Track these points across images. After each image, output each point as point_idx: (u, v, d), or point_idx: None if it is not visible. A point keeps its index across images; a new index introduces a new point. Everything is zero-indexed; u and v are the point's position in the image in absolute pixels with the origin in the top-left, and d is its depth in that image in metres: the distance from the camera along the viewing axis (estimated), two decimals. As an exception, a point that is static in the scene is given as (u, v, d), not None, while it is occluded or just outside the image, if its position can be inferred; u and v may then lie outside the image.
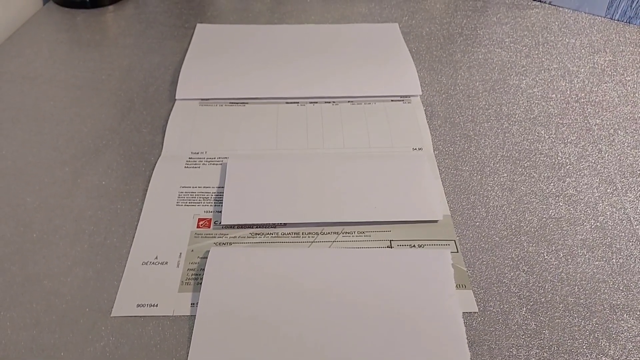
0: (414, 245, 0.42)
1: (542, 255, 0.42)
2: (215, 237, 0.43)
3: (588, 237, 0.43)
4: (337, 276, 0.39)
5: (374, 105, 0.55)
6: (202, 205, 0.45)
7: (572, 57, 0.64)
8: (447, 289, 0.38)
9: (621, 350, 0.36)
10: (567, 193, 0.47)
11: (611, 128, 0.54)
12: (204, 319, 0.36)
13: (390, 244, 0.42)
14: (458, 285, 0.39)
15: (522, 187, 0.47)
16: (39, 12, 0.72)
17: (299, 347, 0.35)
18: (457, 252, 0.42)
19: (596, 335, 0.36)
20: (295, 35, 0.66)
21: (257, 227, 0.43)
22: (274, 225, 0.43)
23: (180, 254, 0.41)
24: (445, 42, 0.67)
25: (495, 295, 0.39)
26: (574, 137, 0.52)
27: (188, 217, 0.44)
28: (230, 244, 0.42)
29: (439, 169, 0.49)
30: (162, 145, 0.51)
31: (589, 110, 0.56)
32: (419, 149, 0.51)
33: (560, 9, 0.74)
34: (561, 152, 0.51)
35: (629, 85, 0.59)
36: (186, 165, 0.48)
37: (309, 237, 0.43)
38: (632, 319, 0.37)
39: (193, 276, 0.40)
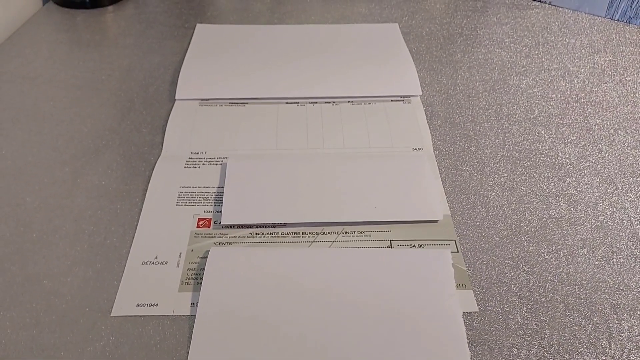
0: (414, 245, 0.42)
1: (542, 255, 0.42)
2: (215, 237, 0.42)
3: (588, 236, 0.43)
4: (337, 276, 0.39)
5: (374, 105, 0.55)
6: (202, 205, 0.45)
7: (572, 57, 0.64)
8: (448, 289, 0.38)
9: (621, 350, 0.36)
10: (568, 193, 0.47)
11: (611, 128, 0.54)
12: (204, 318, 0.36)
13: (391, 244, 0.42)
14: (458, 285, 0.39)
15: (522, 187, 0.47)
16: (38, 12, 0.72)
17: (299, 347, 0.35)
18: (458, 251, 0.42)
19: (596, 334, 0.36)
20: (295, 35, 0.66)
21: (257, 227, 0.43)
22: (274, 225, 0.43)
23: (180, 253, 0.41)
24: (445, 42, 0.67)
25: (496, 295, 0.39)
26: (574, 137, 0.52)
27: (188, 217, 0.44)
28: (230, 243, 0.42)
29: (439, 169, 0.49)
30: (162, 145, 0.51)
31: (589, 110, 0.56)
32: (419, 149, 0.51)
33: (560, 9, 0.74)
34: (561, 152, 0.51)
35: (629, 86, 0.59)
36: (186, 165, 0.48)
37: (309, 237, 0.42)
38: (633, 318, 0.37)
39: (193, 276, 0.40)
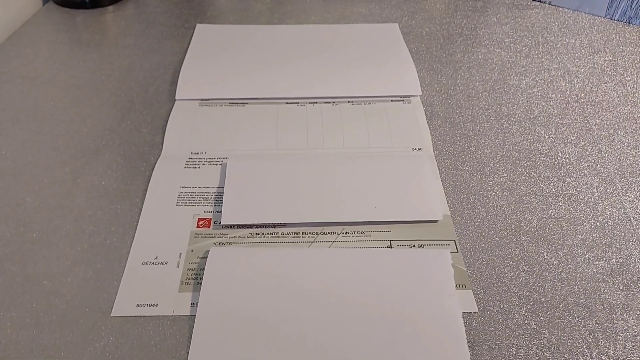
0: (414, 245, 0.42)
1: (542, 255, 0.42)
2: (215, 237, 0.43)
3: (588, 236, 0.43)
4: (337, 276, 0.39)
5: (374, 105, 0.55)
6: (202, 205, 0.45)
7: (572, 57, 0.64)
8: (447, 289, 0.38)
9: (621, 350, 0.36)
10: (567, 193, 0.47)
11: (611, 128, 0.54)
12: (204, 318, 0.36)
13: (390, 244, 0.42)
14: (458, 285, 0.39)
15: (522, 187, 0.47)
16: (38, 12, 0.72)
17: (299, 347, 0.35)
18: (457, 252, 0.42)
19: (596, 334, 0.36)
20: (295, 35, 0.66)
21: (257, 227, 0.43)
22: (274, 225, 0.43)
23: (180, 254, 0.41)
24: (445, 42, 0.67)
25: (495, 295, 0.39)
26: (574, 137, 0.52)
27: (188, 217, 0.44)
28: (230, 244, 0.42)
29: (439, 169, 0.49)
30: (162, 145, 0.51)
31: (589, 110, 0.56)
32: (419, 149, 0.51)
33: (560, 9, 0.74)
34: (561, 152, 0.51)
35: (628, 85, 0.59)
36: (186, 166, 0.48)
37: (309, 237, 0.43)
38: (632, 318, 0.37)
39: (193, 276, 0.40)
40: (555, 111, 0.56)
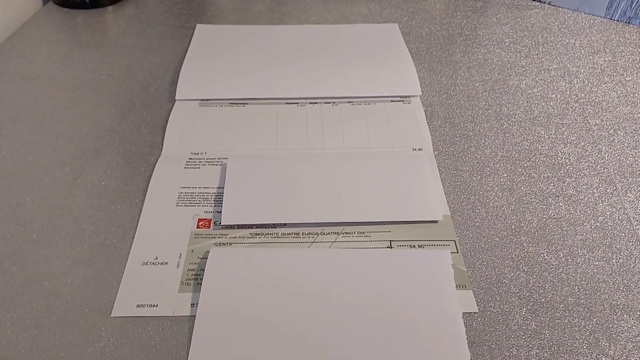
0: (414, 246, 0.42)
1: (542, 255, 0.42)
2: (215, 237, 0.43)
3: (588, 237, 0.43)
4: (337, 276, 0.39)
5: (374, 105, 0.55)
6: (202, 206, 0.45)
7: (572, 57, 0.64)
8: (447, 289, 0.38)
9: (621, 351, 0.36)
10: (567, 193, 0.47)
11: (611, 128, 0.54)
12: (204, 319, 0.36)
13: (390, 244, 0.42)
14: (458, 286, 0.39)
15: (522, 188, 0.47)
16: (38, 12, 0.72)
17: (299, 348, 0.35)
18: (457, 252, 0.42)
19: (596, 335, 0.37)
20: (295, 36, 0.66)
21: (257, 228, 0.43)
22: (274, 226, 0.43)
23: (180, 254, 0.41)
24: (445, 42, 0.67)
25: (495, 295, 0.39)
26: (574, 138, 0.53)
27: (188, 217, 0.44)
28: (230, 244, 0.42)
29: (439, 169, 0.49)
30: (162, 145, 0.51)
31: (589, 110, 0.56)
32: (419, 149, 0.51)
33: (560, 9, 0.74)
34: (561, 152, 0.51)
35: (628, 86, 0.59)
36: (186, 166, 0.48)
37: (309, 237, 0.43)
38: (632, 319, 0.37)
39: (193, 276, 0.40)
40: (555, 111, 0.56)
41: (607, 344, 0.36)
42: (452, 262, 0.40)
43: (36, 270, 0.40)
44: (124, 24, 0.70)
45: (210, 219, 0.44)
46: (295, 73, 0.59)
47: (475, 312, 0.38)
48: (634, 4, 0.69)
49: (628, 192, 0.47)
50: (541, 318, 0.37)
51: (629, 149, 0.51)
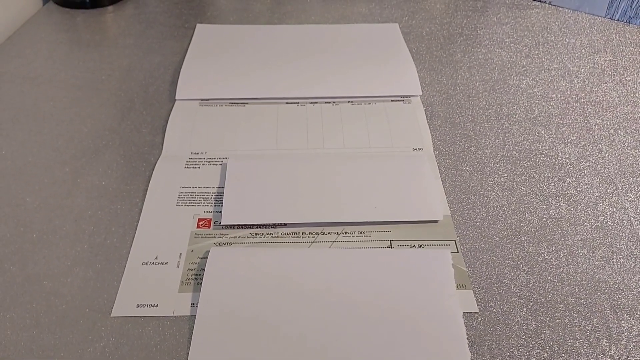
0: (414, 246, 0.42)
1: (542, 255, 0.42)
2: (215, 237, 0.42)
3: (588, 237, 0.43)
4: (337, 276, 0.39)
5: (374, 105, 0.55)
6: (202, 206, 0.45)
7: (572, 57, 0.64)
8: (448, 289, 0.38)
9: (622, 350, 0.36)
10: (568, 193, 0.47)
11: (611, 128, 0.54)
12: (204, 319, 0.36)
13: (391, 244, 0.42)
14: (458, 285, 0.39)
15: (522, 187, 0.47)
16: (38, 12, 0.72)
17: (299, 347, 0.35)
18: (458, 252, 0.42)
19: (597, 335, 0.36)
20: (295, 35, 0.66)
21: (257, 227, 0.43)
22: (274, 226, 0.43)
23: (180, 254, 0.41)
24: (445, 42, 0.67)
25: (496, 295, 0.39)
26: (574, 137, 0.52)
27: (188, 217, 0.44)
28: (230, 244, 0.42)
29: (439, 169, 0.49)
30: (162, 145, 0.51)
31: (589, 110, 0.56)
32: (419, 149, 0.51)
33: (560, 9, 0.74)
34: (561, 152, 0.51)
35: (629, 85, 0.59)
36: (186, 166, 0.48)
37: (309, 237, 0.42)
38: (633, 318, 0.37)
39: (193, 276, 0.40)
40: (556, 111, 0.56)
41: (608, 344, 0.36)
42: (452, 261, 0.40)
43: (36, 270, 0.40)
44: (124, 24, 0.70)
45: (211, 219, 0.44)
46: (295, 73, 0.59)
47: (476, 312, 0.38)
48: (634, 4, 0.69)
49: (628, 191, 0.47)
50: (541, 318, 0.37)
51: (629, 148, 0.51)
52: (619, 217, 0.45)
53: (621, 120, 0.55)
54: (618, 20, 0.71)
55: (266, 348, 0.35)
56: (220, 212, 0.44)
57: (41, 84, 0.58)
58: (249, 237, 0.43)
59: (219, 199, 0.45)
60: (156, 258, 0.41)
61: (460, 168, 0.49)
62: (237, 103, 0.56)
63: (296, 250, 0.41)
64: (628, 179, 0.48)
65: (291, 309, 0.37)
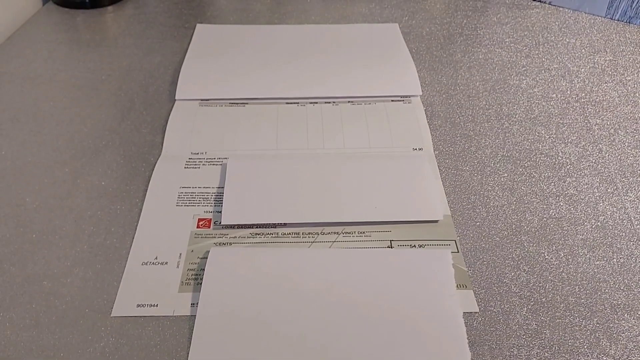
0: (415, 245, 0.42)
1: (542, 255, 0.42)
2: (215, 237, 0.42)
3: (589, 236, 0.43)
4: (337, 276, 0.38)
5: (374, 105, 0.55)
6: (202, 206, 0.45)
7: (573, 57, 0.64)
8: (448, 289, 0.38)
9: (622, 350, 0.36)
10: (568, 193, 0.47)
11: (612, 128, 0.54)
12: (204, 319, 0.36)
13: (391, 244, 0.42)
14: (459, 285, 0.39)
15: (522, 187, 0.47)
16: (38, 12, 0.72)
17: (299, 347, 0.35)
18: (458, 252, 0.42)
19: (597, 335, 0.36)
20: (295, 36, 0.66)
21: (257, 227, 0.43)
22: (274, 226, 0.43)
23: (180, 254, 0.41)
24: (445, 42, 0.67)
25: (496, 295, 0.39)
26: (575, 137, 0.52)
27: (188, 217, 0.44)
28: (231, 244, 0.42)
29: (440, 169, 0.49)
30: (162, 145, 0.51)
31: (590, 110, 0.56)
32: (420, 149, 0.51)
33: (561, 9, 0.74)
34: (562, 152, 0.51)
35: (629, 85, 0.59)
36: (186, 166, 0.48)
37: (309, 237, 0.42)
38: (633, 318, 0.37)
39: (193, 276, 0.40)
40: (556, 111, 0.56)
41: (608, 344, 0.36)
42: (452, 261, 0.40)
43: (36, 270, 0.40)
44: (124, 24, 0.70)
45: (211, 219, 0.44)
46: (295, 73, 0.59)
47: (476, 312, 0.38)
48: (634, 3, 0.69)
49: (629, 191, 0.47)
50: (542, 318, 0.37)
51: (629, 148, 0.51)
52: (619, 216, 0.45)
53: (621, 120, 0.55)
54: (618, 20, 0.71)
55: (266, 348, 0.35)
56: (220, 212, 0.44)
57: (41, 84, 0.58)
58: (249, 237, 0.42)
59: (219, 199, 0.45)
60: (156, 258, 0.41)
61: (460, 168, 0.49)
62: (237, 103, 0.56)
63: (296, 250, 0.41)
64: (628, 179, 0.48)
65: (291, 309, 0.37)
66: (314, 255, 0.40)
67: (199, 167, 0.48)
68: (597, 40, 0.67)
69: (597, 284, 0.40)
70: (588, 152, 0.51)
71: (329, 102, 0.56)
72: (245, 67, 0.60)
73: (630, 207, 0.45)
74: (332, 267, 0.39)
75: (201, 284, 0.39)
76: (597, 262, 0.41)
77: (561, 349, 0.36)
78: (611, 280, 0.40)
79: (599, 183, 0.48)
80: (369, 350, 0.34)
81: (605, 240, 0.43)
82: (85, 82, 0.59)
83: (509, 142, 0.52)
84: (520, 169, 0.49)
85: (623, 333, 0.37)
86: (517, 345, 0.36)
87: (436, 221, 0.44)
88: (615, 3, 0.70)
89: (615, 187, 0.47)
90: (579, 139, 0.52)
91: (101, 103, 0.56)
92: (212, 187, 0.46)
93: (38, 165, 0.49)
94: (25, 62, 0.62)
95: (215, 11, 0.73)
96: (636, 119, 0.55)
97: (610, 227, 0.44)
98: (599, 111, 0.56)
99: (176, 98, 0.56)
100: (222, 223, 0.43)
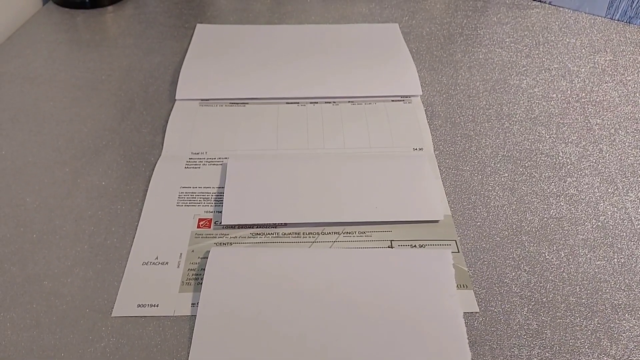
0: (415, 245, 0.42)
1: (543, 255, 0.42)
2: (215, 237, 0.42)
3: (589, 236, 0.43)
4: (337, 276, 0.38)
5: (375, 105, 0.55)
6: (203, 206, 0.45)
7: (573, 57, 0.64)
8: (448, 289, 0.38)
9: (623, 350, 0.36)
10: (568, 193, 0.47)
11: (612, 128, 0.54)
12: (205, 319, 0.36)
13: (391, 244, 0.42)
14: (459, 285, 0.39)
15: (523, 187, 0.47)
16: (38, 12, 0.72)
17: (299, 347, 0.35)
18: (458, 252, 0.42)
19: (598, 335, 0.36)
20: (295, 35, 0.66)
21: (257, 227, 0.43)
22: (275, 226, 0.43)
23: (181, 254, 0.41)
24: (445, 42, 0.67)
25: (497, 295, 0.39)
26: (575, 137, 0.52)
27: (188, 217, 0.44)
28: (231, 244, 0.42)
29: (440, 169, 0.49)
30: (162, 145, 0.51)
31: (590, 110, 0.56)
32: (420, 149, 0.51)
33: (561, 9, 0.74)
34: (562, 151, 0.51)
35: (629, 85, 0.59)
36: (186, 166, 0.48)
37: (309, 237, 0.42)
38: (634, 318, 0.37)
39: (193, 276, 0.40)
40: (556, 111, 0.56)
41: (609, 344, 0.36)
42: (453, 261, 0.40)
43: (36, 270, 0.40)
44: (124, 24, 0.69)
45: (211, 219, 0.44)
46: (295, 73, 0.59)
47: (477, 312, 0.38)
48: (635, 3, 0.69)
49: (629, 191, 0.47)
50: (542, 318, 0.37)
51: (630, 148, 0.51)
52: (619, 216, 0.45)
53: (622, 120, 0.55)
54: (618, 20, 0.71)
55: (266, 348, 0.35)
56: (221, 212, 0.44)
57: (41, 84, 0.58)
58: (250, 237, 0.42)
59: (219, 199, 0.45)
60: (156, 258, 0.41)
61: (460, 168, 0.49)
62: (237, 103, 0.56)
63: (297, 250, 0.41)
64: (629, 179, 0.48)
65: (291, 309, 0.37)
66: (315, 255, 0.40)
67: (199, 167, 0.48)
68: (597, 40, 0.67)
69: (598, 284, 0.40)
70: (588, 152, 0.51)
71: (329, 102, 0.56)
72: (246, 67, 0.60)
73: (631, 207, 0.45)
74: (333, 267, 0.39)
75: (202, 284, 0.39)
76: (598, 262, 0.41)
77: (562, 349, 0.36)
78: (612, 280, 0.40)
79: (600, 183, 0.48)
80: (369, 350, 0.34)
81: (606, 240, 0.43)
82: (85, 82, 0.59)
83: (509, 142, 0.52)
84: (521, 169, 0.49)
85: (624, 333, 0.37)
86: (518, 345, 0.36)
87: (437, 221, 0.44)
88: (615, 3, 0.70)
89: (615, 187, 0.47)
90: (580, 139, 0.52)
91: (101, 103, 0.56)
92: (213, 187, 0.46)
93: (38, 165, 0.49)
94: (25, 62, 0.62)
95: (215, 11, 0.73)
96: (636, 119, 0.55)
97: (611, 227, 0.44)
98: (600, 111, 0.56)
99: (176, 98, 0.56)
100: (222, 223, 0.43)
